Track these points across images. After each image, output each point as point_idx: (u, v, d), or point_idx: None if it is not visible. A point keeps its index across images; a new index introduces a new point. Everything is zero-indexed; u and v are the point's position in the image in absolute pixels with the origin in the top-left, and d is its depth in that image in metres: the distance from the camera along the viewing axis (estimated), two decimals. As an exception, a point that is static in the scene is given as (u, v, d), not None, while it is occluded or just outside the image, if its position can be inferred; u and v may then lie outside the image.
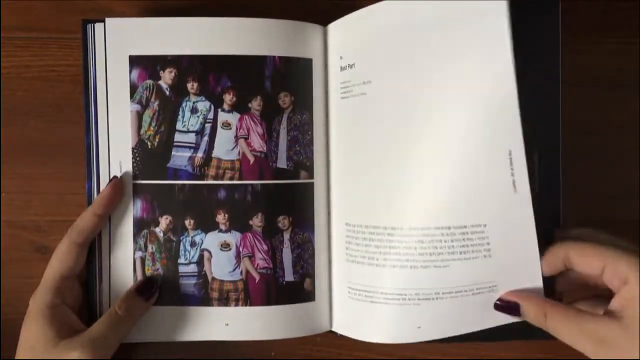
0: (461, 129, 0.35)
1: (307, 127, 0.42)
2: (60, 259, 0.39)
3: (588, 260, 0.35)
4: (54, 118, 0.45)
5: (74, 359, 0.36)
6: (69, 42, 0.45)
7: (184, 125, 0.41)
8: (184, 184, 0.41)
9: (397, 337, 0.39)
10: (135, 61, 0.41)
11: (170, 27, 0.41)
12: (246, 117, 0.41)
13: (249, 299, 0.41)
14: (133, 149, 0.41)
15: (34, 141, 0.45)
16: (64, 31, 0.45)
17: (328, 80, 0.42)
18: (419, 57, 0.37)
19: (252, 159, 0.41)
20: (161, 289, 0.41)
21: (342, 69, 0.41)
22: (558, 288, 0.38)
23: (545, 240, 0.36)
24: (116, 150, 0.41)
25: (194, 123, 0.41)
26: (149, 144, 0.41)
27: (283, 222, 0.42)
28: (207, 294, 0.41)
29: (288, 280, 0.42)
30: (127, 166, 0.41)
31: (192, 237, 0.41)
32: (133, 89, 0.41)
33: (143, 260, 0.41)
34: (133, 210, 0.41)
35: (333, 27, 0.42)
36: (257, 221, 0.41)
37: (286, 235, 0.42)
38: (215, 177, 0.41)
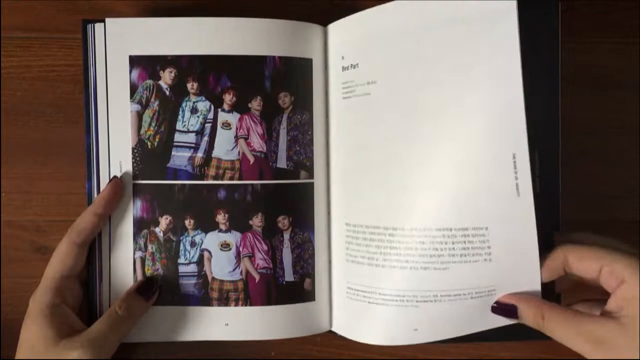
0: (465, 131, 0.35)
1: (307, 127, 0.42)
2: (60, 259, 0.39)
3: (586, 262, 0.35)
4: (54, 118, 0.45)
5: (74, 358, 0.36)
6: (69, 42, 0.45)
7: (184, 125, 0.41)
8: (184, 184, 0.41)
9: (393, 339, 0.39)
10: (135, 61, 0.41)
11: (170, 27, 0.41)
12: (246, 117, 0.41)
13: (248, 299, 0.41)
14: (133, 149, 0.41)
15: (34, 141, 0.45)
16: (64, 31, 0.45)
17: (328, 80, 0.42)
18: (425, 59, 0.37)
19: (252, 159, 0.41)
20: (161, 289, 0.41)
21: (345, 69, 0.41)
22: (556, 290, 0.38)
23: (545, 245, 0.36)
24: (116, 150, 0.41)
25: (194, 123, 0.41)
26: (149, 144, 0.41)
27: (283, 222, 0.42)
28: (207, 294, 0.41)
29: (288, 280, 0.42)
30: (127, 166, 0.41)
31: (192, 237, 0.41)
32: (133, 89, 0.41)
33: (143, 260, 0.41)
34: (133, 210, 0.41)
35: (334, 27, 0.42)
36: (257, 221, 0.41)
37: (286, 235, 0.42)
38: (215, 177, 0.41)
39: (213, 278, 0.41)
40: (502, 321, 0.38)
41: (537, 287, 0.37)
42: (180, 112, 0.41)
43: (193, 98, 0.41)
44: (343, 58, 0.41)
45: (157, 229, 0.41)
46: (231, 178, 0.41)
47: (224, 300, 0.41)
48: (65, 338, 0.37)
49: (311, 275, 0.42)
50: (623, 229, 0.45)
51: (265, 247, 0.41)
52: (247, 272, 0.41)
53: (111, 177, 0.41)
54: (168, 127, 0.41)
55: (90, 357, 0.36)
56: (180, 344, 0.42)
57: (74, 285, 0.40)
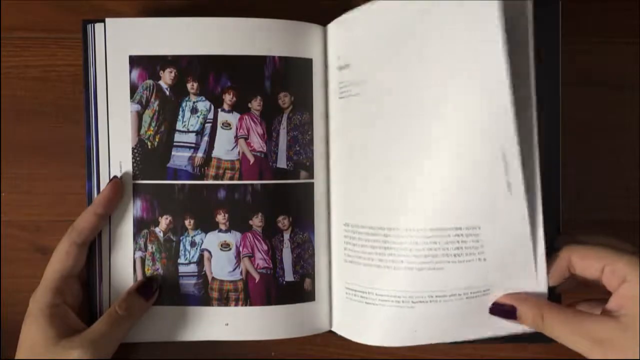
0: (455, 131, 0.35)
1: (307, 127, 0.42)
2: (60, 259, 0.39)
3: (588, 262, 0.35)
4: (54, 118, 0.45)
5: (74, 358, 0.36)
6: (69, 42, 0.45)
7: (184, 125, 0.41)
8: (184, 184, 0.41)
9: (391, 340, 0.39)
10: (135, 61, 0.41)
11: (170, 27, 0.41)
12: (246, 117, 0.41)
13: (248, 299, 0.41)
14: (133, 149, 0.41)
15: (34, 141, 0.45)
16: (64, 31, 0.45)
17: (328, 80, 0.42)
18: (412, 58, 0.37)
19: (252, 159, 0.41)
20: (161, 289, 0.41)
21: (340, 68, 0.41)
22: (557, 290, 0.38)
23: (549, 248, 0.36)
24: (116, 150, 0.41)
25: (194, 123, 0.41)
26: (149, 144, 0.41)
27: (283, 222, 0.42)
28: (207, 294, 0.41)
29: (288, 280, 0.42)
30: (127, 166, 0.41)
31: (192, 237, 0.41)
32: (133, 89, 0.41)
33: (143, 260, 0.41)
34: (133, 210, 0.41)
35: (332, 26, 0.42)
36: (257, 221, 0.41)
37: (286, 235, 0.42)
38: (215, 177, 0.41)
39: (213, 278, 0.41)
40: (500, 324, 0.38)
41: (533, 287, 0.37)
42: (180, 112, 0.41)
43: (193, 98, 0.41)
44: (339, 58, 0.41)
45: (157, 229, 0.41)
46: (231, 178, 0.41)
47: (224, 300, 0.41)
48: (65, 338, 0.37)
49: (311, 275, 0.42)
50: (623, 229, 0.45)
51: (265, 247, 0.41)
52: (247, 272, 0.41)
53: (111, 177, 0.41)
54: (168, 127, 0.41)
55: (91, 357, 0.36)
56: (180, 344, 0.42)
57: (74, 285, 0.40)
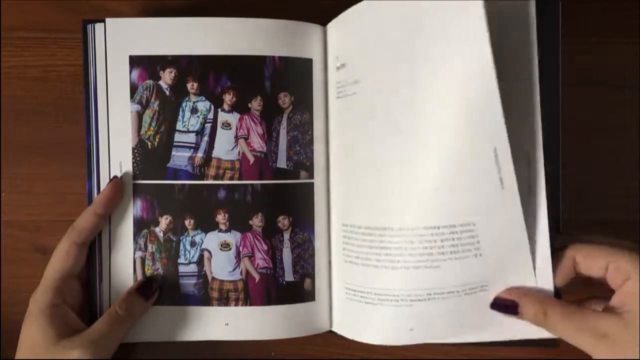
0: (446, 129, 0.35)
1: (307, 127, 0.42)
2: (60, 259, 0.39)
3: (592, 260, 0.35)
4: (54, 118, 0.45)
5: (74, 358, 0.36)
6: (69, 42, 0.45)
7: (184, 126, 0.41)
8: (184, 184, 0.41)
9: (391, 339, 0.39)
10: (135, 61, 0.41)
11: (170, 27, 0.41)
12: (246, 117, 0.41)
13: (248, 299, 0.41)
14: (133, 149, 0.41)
15: (34, 141, 0.45)
16: (64, 31, 0.45)
17: (328, 80, 0.42)
18: (403, 58, 0.37)
19: (252, 159, 0.41)
20: (161, 289, 0.41)
21: (337, 68, 0.41)
22: (555, 285, 0.38)
23: (554, 248, 0.37)
24: (116, 150, 0.41)
25: (194, 123, 0.41)
26: (149, 144, 0.41)
27: (283, 222, 0.42)
28: (207, 293, 0.41)
29: (288, 280, 0.42)
30: (127, 166, 0.41)
31: (192, 237, 0.41)
32: (133, 89, 0.41)
33: (143, 260, 0.41)
34: (133, 210, 0.41)
35: (331, 26, 0.42)
36: (257, 221, 0.41)
37: (286, 235, 0.42)
38: (215, 177, 0.41)
39: (213, 278, 0.41)
40: (499, 322, 0.38)
41: (530, 280, 0.37)
42: (180, 112, 0.41)
43: (193, 98, 0.41)
44: (337, 58, 0.41)
45: (157, 229, 0.41)
46: (231, 178, 0.41)
47: (224, 300, 0.41)
48: (65, 338, 0.37)
49: (311, 275, 0.42)
50: (623, 229, 0.45)
51: (265, 247, 0.41)
52: (247, 272, 0.41)
53: (111, 177, 0.41)
54: (168, 127, 0.41)
55: (91, 357, 0.36)
56: (180, 344, 0.42)
57: (74, 285, 0.40)
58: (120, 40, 0.41)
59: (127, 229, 0.41)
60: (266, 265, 0.41)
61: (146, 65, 0.41)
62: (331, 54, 0.42)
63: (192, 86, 0.41)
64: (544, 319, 0.35)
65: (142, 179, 0.41)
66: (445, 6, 0.34)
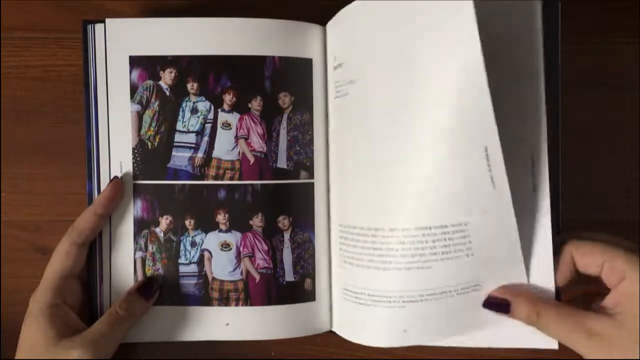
0: (439, 129, 0.35)
1: (307, 127, 0.42)
2: (60, 259, 0.39)
3: (589, 258, 0.35)
4: (54, 118, 0.45)
5: (74, 358, 0.36)
6: (69, 42, 0.45)
7: (184, 126, 0.41)
8: (184, 184, 0.41)
9: (384, 341, 0.39)
10: (135, 61, 0.41)
11: (170, 27, 0.41)
12: (246, 117, 0.41)
13: (249, 299, 0.41)
14: (133, 149, 0.41)
15: (34, 141, 0.45)
16: (64, 31, 0.45)
17: (327, 80, 0.42)
18: (397, 57, 0.36)
19: (252, 159, 0.41)
20: (161, 289, 0.41)
21: (335, 68, 0.41)
22: (555, 284, 0.38)
23: (556, 248, 0.37)
24: (116, 151, 0.41)
25: (194, 123, 0.41)
26: (149, 144, 0.41)
27: (283, 222, 0.42)
28: (207, 294, 0.41)
29: (288, 280, 0.42)
30: (128, 166, 0.41)
31: (192, 237, 0.41)
32: (133, 89, 0.41)
33: (143, 260, 0.41)
34: (133, 210, 0.41)
35: (329, 26, 0.42)
36: (257, 221, 0.41)
37: (286, 235, 0.42)
38: (216, 177, 0.41)
39: (213, 278, 0.41)
40: (492, 321, 0.38)
41: (521, 278, 0.37)
42: (181, 113, 0.41)
43: (193, 98, 0.41)
44: (335, 58, 0.41)
45: (157, 229, 0.41)
46: (231, 178, 0.41)
47: (224, 300, 0.41)
48: (65, 338, 0.37)
49: (311, 275, 0.42)
50: (623, 229, 0.44)
51: (266, 247, 0.41)
52: (248, 272, 0.41)
53: (112, 177, 0.41)
54: (168, 128, 0.41)
55: (91, 357, 0.36)
56: (180, 344, 0.42)
57: (74, 285, 0.40)
58: (120, 41, 0.41)
59: (127, 229, 0.41)
60: (266, 265, 0.41)
61: (146, 66, 0.41)
62: (330, 53, 0.42)
63: (192, 86, 0.41)
64: (537, 319, 0.35)
65: (143, 179, 0.41)
66: (437, 6, 0.34)
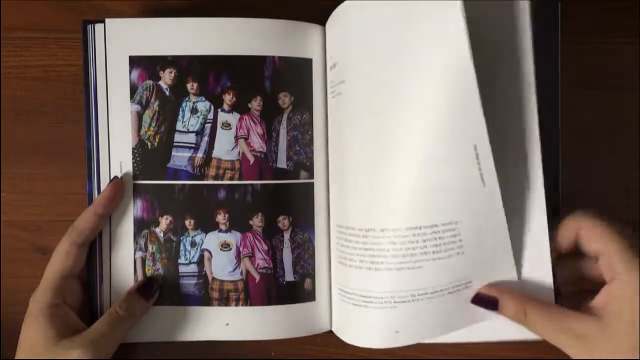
0: (428, 128, 0.35)
1: (307, 127, 0.42)
2: (60, 259, 0.39)
3: (595, 239, 0.35)
4: (54, 118, 0.45)
5: (74, 358, 0.36)
6: (69, 42, 0.45)
7: (184, 126, 0.41)
8: (184, 184, 0.41)
9: (377, 342, 0.39)
10: (135, 61, 0.41)
11: (170, 27, 0.41)
12: (246, 117, 0.41)
13: (249, 299, 0.41)
14: (133, 149, 0.41)
15: (34, 141, 0.45)
16: (64, 31, 0.45)
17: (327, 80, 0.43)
18: (386, 57, 0.36)
19: (252, 159, 0.41)
20: (161, 289, 0.41)
21: (331, 68, 0.41)
22: (555, 282, 0.38)
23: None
24: (116, 151, 0.41)
25: (194, 123, 0.41)
26: (149, 144, 0.41)
27: (283, 222, 0.42)
28: (207, 294, 0.41)
29: (288, 280, 0.42)
30: (128, 166, 0.41)
31: (192, 237, 0.41)
32: (133, 89, 0.41)
33: (143, 260, 0.41)
34: (133, 210, 0.41)
35: (327, 26, 0.42)
36: (257, 221, 0.41)
37: (286, 235, 0.42)
38: (215, 177, 0.41)
39: (213, 278, 0.41)
40: (482, 317, 0.38)
41: (511, 274, 0.37)
42: (180, 113, 0.41)
43: (193, 98, 0.41)
44: (331, 57, 0.41)
45: (157, 229, 0.41)
46: (231, 178, 0.41)
47: (224, 300, 0.41)
48: (65, 338, 0.37)
49: (311, 275, 0.42)
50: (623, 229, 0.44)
51: (266, 247, 0.41)
52: (248, 272, 0.41)
53: (111, 177, 0.41)
54: (168, 128, 0.41)
55: (91, 357, 0.36)
56: (180, 344, 0.42)
57: (74, 285, 0.40)
58: (120, 41, 0.41)
59: (127, 229, 0.41)
60: (266, 265, 0.41)
61: (146, 66, 0.41)
62: (327, 53, 0.42)
63: (192, 86, 0.41)
64: (524, 317, 0.35)
65: (142, 179, 0.41)
66: (426, 6, 0.34)
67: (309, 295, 0.42)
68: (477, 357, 0.45)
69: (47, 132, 0.45)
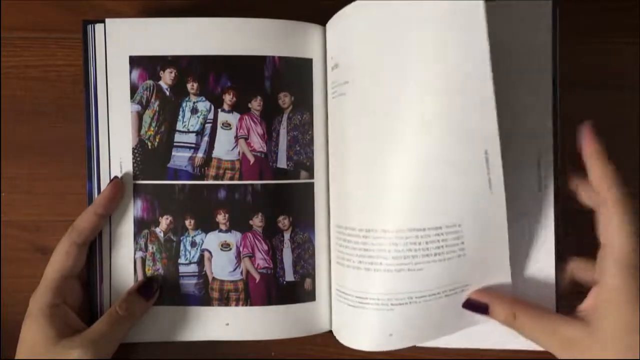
0: (436, 131, 0.34)
1: (307, 127, 0.42)
2: (60, 259, 0.39)
3: (595, 177, 0.35)
4: (54, 118, 0.45)
5: (74, 358, 0.36)
6: (69, 42, 0.45)
7: (184, 126, 0.41)
8: (184, 184, 0.41)
9: (373, 344, 0.39)
10: (135, 61, 0.41)
11: (170, 27, 0.41)
12: (246, 117, 0.41)
13: (249, 299, 0.41)
14: (133, 149, 0.41)
15: (34, 141, 0.45)
16: (64, 31, 0.45)
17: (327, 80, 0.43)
18: (393, 58, 0.36)
19: (252, 159, 0.41)
20: (161, 289, 0.41)
21: (332, 69, 0.41)
22: (559, 290, 0.38)
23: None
24: (116, 151, 0.41)
25: (194, 123, 0.41)
26: (149, 144, 0.41)
27: (283, 222, 0.42)
28: (207, 294, 0.41)
29: (288, 280, 0.42)
30: (128, 166, 0.41)
31: (192, 237, 0.41)
32: (133, 89, 0.41)
33: (143, 260, 0.41)
34: (133, 210, 0.41)
35: (328, 26, 0.42)
36: (257, 221, 0.41)
37: (286, 235, 0.42)
38: (216, 177, 0.41)
39: (213, 278, 0.41)
40: (475, 321, 0.38)
41: (506, 278, 0.38)
42: (181, 113, 0.41)
43: (193, 98, 0.41)
44: (332, 58, 0.41)
45: (157, 229, 0.41)
46: (231, 178, 0.41)
47: (224, 300, 0.41)
48: (65, 338, 0.37)
49: (311, 275, 0.42)
50: (623, 229, 0.44)
51: (266, 247, 0.41)
52: (248, 272, 0.41)
53: (112, 177, 0.41)
54: (168, 128, 0.41)
55: (91, 357, 0.36)
56: (180, 344, 0.42)
57: (74, 285, 0.40)
58: (120, 41, 0.41)
59: (127, 229, 0.41)
60: (266, 265, 0.41)
61: (146, 66, 0.41)
62: (328, 54, 0.42)
63: (192, 86, 0.41)
64: (513, 321, 0.36)
65: (143, 179, 0.41)
66: (439, 6, 0.33)
67: (309, 296, 0.42)
68: (477, 357, 0.45)
69: (47, 132, 0.45)
